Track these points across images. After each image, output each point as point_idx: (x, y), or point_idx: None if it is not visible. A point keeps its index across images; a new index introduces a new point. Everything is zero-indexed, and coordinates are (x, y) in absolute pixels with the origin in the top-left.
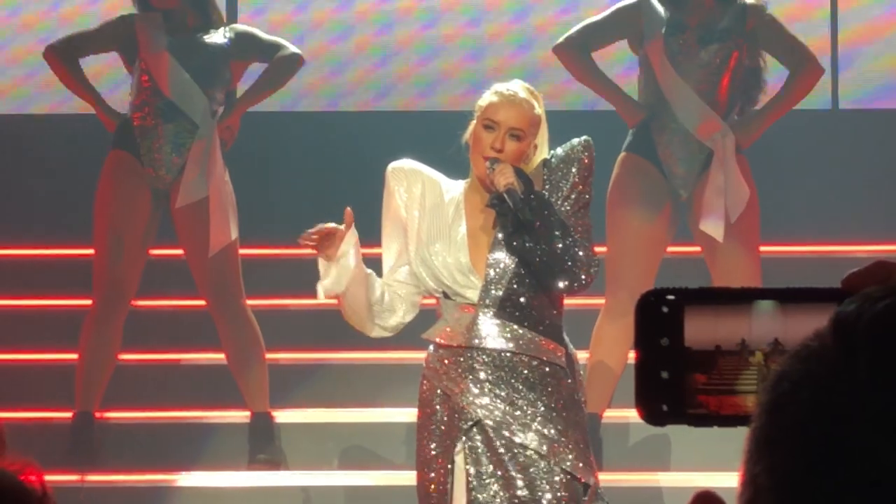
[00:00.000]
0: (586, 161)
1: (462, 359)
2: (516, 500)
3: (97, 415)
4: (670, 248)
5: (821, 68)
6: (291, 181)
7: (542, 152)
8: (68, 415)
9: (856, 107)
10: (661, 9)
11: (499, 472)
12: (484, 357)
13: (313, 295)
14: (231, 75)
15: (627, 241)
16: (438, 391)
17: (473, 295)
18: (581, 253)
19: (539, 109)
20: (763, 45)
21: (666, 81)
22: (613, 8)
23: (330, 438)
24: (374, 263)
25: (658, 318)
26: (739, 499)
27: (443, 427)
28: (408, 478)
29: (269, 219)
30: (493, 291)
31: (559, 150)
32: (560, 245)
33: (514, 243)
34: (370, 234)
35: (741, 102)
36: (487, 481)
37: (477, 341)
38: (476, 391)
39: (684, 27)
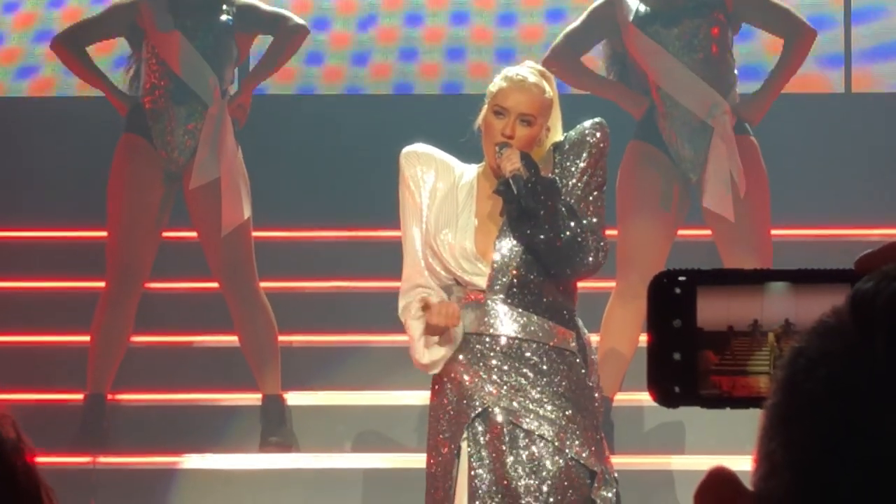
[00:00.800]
0: (598, 143)
1: (472, 345)
2: (513, 489)
3: (109, 397)
4: (681, 232)
5: (813, 31)
6: (305, 164)
7: (556, 134)
8: (80, 397)
9: (868, 90)
10: (630, 1)
11: (499, 461)
12: (494, 344)
13: (326, 277)
14: (238, 51)
15: (638, 225)
16: (449, 377)
17: (482, 282)
18: (589, 239)
19: (550, 92)
20: (748, 18)
21: (652, 65)
22: (588, 10)
23: (341, 421)
24: (383, 246)
25: (671, 299)
26: (754, 475)
27: (451, 412)
28: (420, 461)
29: (283, 202)
30: (501, 278)
31: (571, 133)
32: (566, 232)
33: (521, 229)
34: (383, 218)
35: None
36: (487, 469)
37: (487, 328)
38: (485, 377)
39: (654, 15)
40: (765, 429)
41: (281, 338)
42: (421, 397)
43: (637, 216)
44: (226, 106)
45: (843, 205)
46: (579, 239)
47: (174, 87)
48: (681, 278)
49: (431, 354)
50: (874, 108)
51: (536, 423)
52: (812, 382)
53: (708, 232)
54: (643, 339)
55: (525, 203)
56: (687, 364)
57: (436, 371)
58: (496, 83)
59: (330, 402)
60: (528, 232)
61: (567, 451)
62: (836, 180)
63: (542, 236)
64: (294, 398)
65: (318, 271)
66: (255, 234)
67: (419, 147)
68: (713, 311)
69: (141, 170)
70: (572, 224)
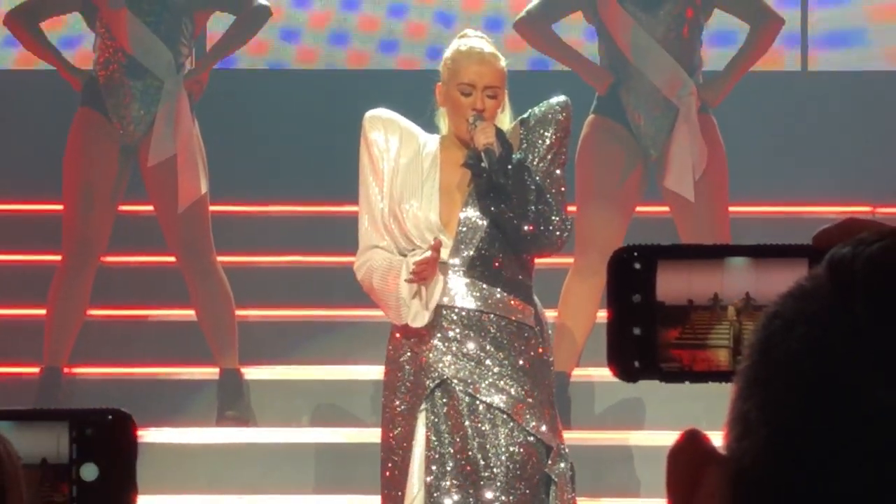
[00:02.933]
0: (564, 121)
1: (432, 317)
2: (471, 461)
3: (65, 370)
4: (640, 208)
5: (780, 20)
6: (262, 138)
7: (506, 107)
8: (36, 370)
9: (824, 69)
10: None
11: (457, 433)
12: (452, 315)
13: (283, 252)
14: (194, 27)
15: (597, 201)
16: (406, 349)
17: (444, 253)
18: (554, 217)
19: (503, 61)
20: (719, 2)
21: (625, 40)
22: None
23: (299, 395)
24: (341, 221)
25: (631, 274)
26: (727, 438)
27: (408, 384)
28: (376, 435)
29: (240, 175)
30: (463, 250)
31: (536, 110)
32: (533, 209)
33: (487, 204)
34: (342, 192)
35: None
36: (445, 441)
37: (446, 299)
38: (443, 349)
39: None
40: (738, 391)
41: (238, 312)
42: (377, 372)
43: (596, 193)
44: (182, 82)
45: (799, 182)
46: (545, 217)
47: (128, 62)
48: (641, 253)
49: (431, 306)
50: (830, 87)
51: (495, 397)
52: (789, 342)
53: (666, 209)
54: (601, 315)
55: (495, 178)
56: (647, 338)
57: (424, 323)
58: (452, 59)
59: (287, 377)
60: (495, 208)
61: (524, 424)
62: (792, 158)
63: (510, 214)
64: (251, 372)
65: (275, 245)
66: (212, 208)
67: (383, 112)
68: (673, 285)
69: (96, 143)
70: (539, 203)
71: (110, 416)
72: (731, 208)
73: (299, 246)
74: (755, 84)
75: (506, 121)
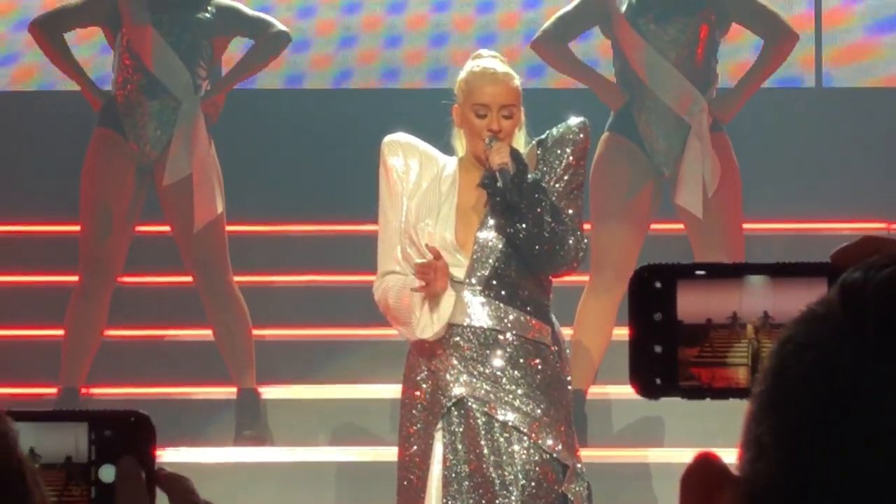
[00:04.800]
0: (582, 142)
1: (448, 336)
2: (487, 480)
3: (82, 391)
4: (654, 226)
5: (795, 36)
6: (278, 158)
7: (523, 124)
8: (53, 391)
9: (839, 85)
10: None
11: (473, 452)
12: (469, 335)
13: (300, 272)
14: (213, 51)
15: (611, 219)
16: (424, 368)
17: (460, 273)
18: (570, 238)
19: (517, 79)
20: (734, 17)
21: (637, 59)
22: None
23: (316, 414)
24: (358, 241)
25: (651, 293)
26: (740, 460)
27: (425, 403)
28: (393, 453)
29: (256, 196)
30: (479, 270)
31: (554, 130)
32: (548, 230)
33: (502, 224)
34: (358, 212)
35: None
36: (462, 460)
37: (463, 319)
38: (460, 368)
39: (647, 7)
40: (752, 414)
41: (254, 331)
42: (395, 391)
43: (611, 211)
44: (199, 103)
45: (813, 199)
46: (560, 237)
47: (147, 82)
48: (661, 272)
49: (440, 319)
50: (844, 103)
51: (511, 416)
52: (801, 366)
53: (680, 226)
54: (616, 332)
55: (509, 197)
56: (668, 356)
57: (432, 335)
58: (466, 80)
59: (304, 396)
60: (510, 228)
61: (541, 443)
62: (806, 174)
63: (523, 233)
64: (268, 392)
65: (291, 265)
66: (228, 228)
67: (401, 136)
68: (693, 304)
69: (113, 164)
70: (554, 222)
71: (132, 419)
72: (746, 225)
73: (315, 265)
74: (769, 100)
75: (522, 138)
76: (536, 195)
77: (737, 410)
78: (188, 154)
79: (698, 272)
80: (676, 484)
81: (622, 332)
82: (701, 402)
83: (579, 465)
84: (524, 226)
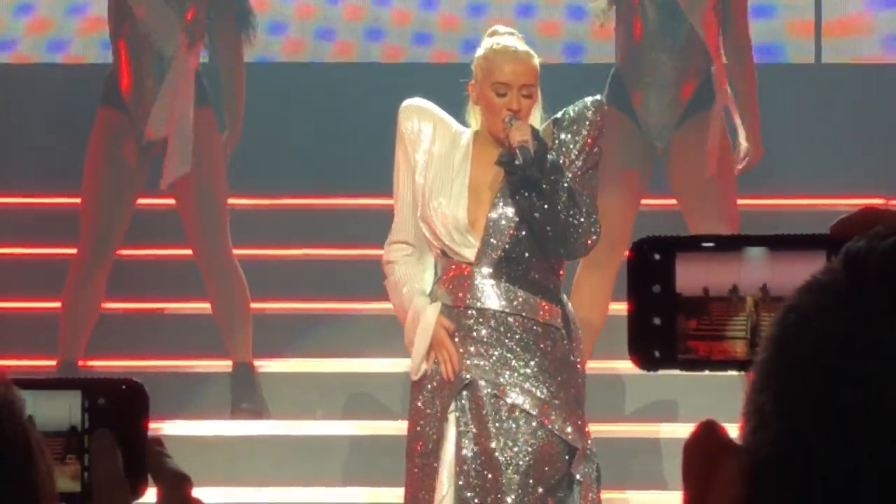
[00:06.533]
0: (598, 121)
1: (460, 320)
2: (493, 464)
3: (81, 363)
4: (647, 201)
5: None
6: (278, 131)
7: (539, 102)
8: (51, 363)
9: (838, 60)
10: None
11: (483, 434)
12: (480, 317)
13: (297, 244)
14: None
15: (604, 194)
16: (432, 350)
17: (470, 254)
18: (584, 221)
19: (536, 58)
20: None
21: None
22: None
23: (313, 388)
24: (358, 214)
25: (650, 265)
26: (743, 430)
27: (435, 384)
28: (391, 427)
29: (254, 169)
30: (489, 252)
31: (570, 110)
32: (565, 212)
33: (520, 201)
34: (360, 185)
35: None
36: (472, 440)
37: (473, 301)
38: (472, 350)
39: None
40: (754, 383)
41: (253, 305)
42: (393, 364)
43: (604, 185)
44: (188, 58)
45: (811, 174)
46: (574, 221)
47: (149, 62)
48: (660, 244)
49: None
50: (843, 79)
51: (521, 398)
52: (804, 335)
53: (673, 201)
54: (615, 307)
55: (529, 173)
56: (666, 329)
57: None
58: (485, 58)
59: (301, 370)
60: (532, 204)
61: (550, 425)
62: (805, 150)
63: (539, 213)
64: (265, 365)
65: (289, 238)
66: (229, 200)
67: (418, 101)
68: (692, 276)
69: (117, 145)
70: (571, 204)
71: (124, 386)
72: (743, 201)
73: (313, 239)
74: (768, 76)
75: (538, 116)
76: (554, 177)
77: (735, 385)
78: (167, 112)
79: (697, 244)
80: (675, 458)
81: (621, 307)
82: (701, 377)
83: (589, 446)
84: (542, 205)
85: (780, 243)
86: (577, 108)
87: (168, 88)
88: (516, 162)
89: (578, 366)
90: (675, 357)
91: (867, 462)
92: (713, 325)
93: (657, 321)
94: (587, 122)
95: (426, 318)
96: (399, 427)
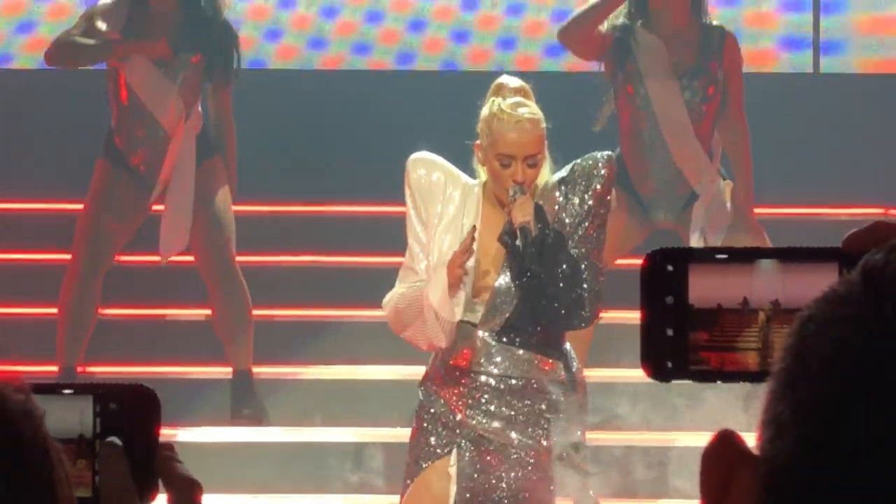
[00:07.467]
0: (608, 177)
1: (463, 381)
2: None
3: (80, 369)
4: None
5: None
6: (280, 139)
7: (546, 158)
8: (51, 370)
9: (837, 70)
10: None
11: (485, 483)
12: (483, 380)
13: (296, 252)
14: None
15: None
16: (436, 400)
17: (475, 318)
18: (586, 295)
19: (543, 121)
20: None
21: (659, 108)
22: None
23: (312, 395)
24: (357, 221)
25: (663, 276)
26: (759, 439)
27: (440, 427)
28: (389, 435)
29: (255, 176)
30: (494, 317)
31: (579, 165)
32: (564, 296)
33: (520, 285)
34: (357, 192)
35: None
36: (468, 485)
37: (477, 366)
38: (475, 410)
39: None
40: (772, 393)
41: (255, 312)
42: (391, 372)
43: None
44: (190, 129)
45: (810, 184)
46: (577, 299)
47: (144, 121)
48: (673, 256)
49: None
50: (843, 89)
51: (522, 444)
52: (822, 346)
53: None
54: (627, 316)
55: (527, 264)
56: (679, 339)
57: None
58: (489, 125)
59: (300, 376)
60: (526, 287)
61: (550, 473)
62: (803, 160)
63: (540, 290)
64: (265, 372)
65: (288, 245)
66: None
67: (425, 154)
68: (704, 288)
69: (118, 197)
70: (572, 285)
71: (135, 391)
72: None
73: (313, 246)
74: (767, 86)
75: (547, 169)
76: (556, 256)
77: (739, 395)
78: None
79: (710, 256)
80: (680, 468)
81: (634, 316)
82: (705, 387)
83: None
84: (542, 291)
85: (792, 256)
86: (586, 166)
87: (168, 158)
88: (517, 242)
89: (581, 407)
90: (687, 368)
91: (884, 472)
92: (725, 336)
93: (670, 332)
94: (597, 178)
95: (438, 274)
96: (398, 434)
